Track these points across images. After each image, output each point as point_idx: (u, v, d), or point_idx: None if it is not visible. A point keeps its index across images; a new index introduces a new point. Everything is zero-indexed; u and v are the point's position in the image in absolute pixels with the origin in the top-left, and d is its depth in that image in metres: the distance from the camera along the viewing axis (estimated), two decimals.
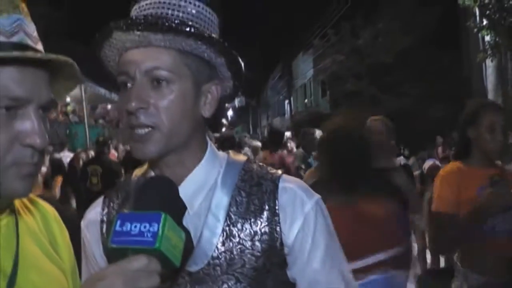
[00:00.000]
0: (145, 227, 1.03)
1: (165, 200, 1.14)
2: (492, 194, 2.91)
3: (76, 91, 20.39)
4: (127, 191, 1.48)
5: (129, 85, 1.33)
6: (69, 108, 20.91)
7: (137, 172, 1.53)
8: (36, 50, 1.12)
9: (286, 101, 42.55)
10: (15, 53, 1.06)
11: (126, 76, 1.33)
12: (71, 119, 19.81)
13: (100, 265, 1.44)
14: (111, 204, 1.50)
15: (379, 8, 22.00)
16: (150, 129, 1.31)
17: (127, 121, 1.33)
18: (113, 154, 11.90)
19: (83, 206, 2.86)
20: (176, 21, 1.29)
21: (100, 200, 1.54)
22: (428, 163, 8.45)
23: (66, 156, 11.33)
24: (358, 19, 22.71)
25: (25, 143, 1.09)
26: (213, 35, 1.35)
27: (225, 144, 7.14)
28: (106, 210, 1.49)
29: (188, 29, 1.29)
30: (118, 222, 1.06)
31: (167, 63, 1.31)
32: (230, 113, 71.34)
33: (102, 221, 1.48)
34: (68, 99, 21.40)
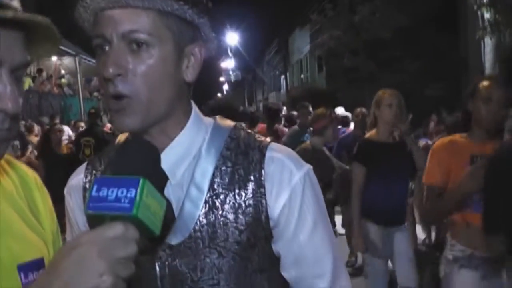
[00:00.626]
0: (122, 192, 0.97)
1: (145, 164, 1.09)
2: (469, 173, 2.91)
3: (70, 64, 20.37)
4: (110, 157, 1.42)
5: (105, 48, 1.24)
6: (64, 80, 20.78)
7: (121, 138, 1.47)
8: (8, 7, 1.02)
9: (282, 76, 42.41)
10: None
11: (102, 39, 1.24)
12: (65, 92, 19.70)
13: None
14: (94, 171, 1.44)
15: None
16: (127, 99, 1.23)
17: (104, 88, 1.25)
18: (108, 126, 11.86)
19: None
20: None
21: (83, 167, 1.48)
22: (421, 143, 8.47)
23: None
24: None
25: None
26: None
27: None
28: (89, 177, 1.44)
29: None
30: (95, 187, 1.00)
31: (146, 25, 1.22)
32: (225, 87, 71.34)
33: (84, 188, 1.43)
34: (62, 71, 21.30)
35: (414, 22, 19.90)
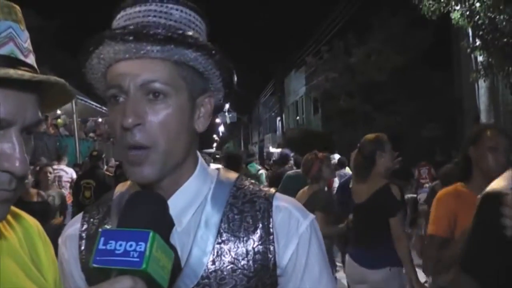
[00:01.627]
0: (131, 246, 0.96)
1: (154, 216, 1.07)
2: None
3: (67, 104, 20.38)
4: (109, 206, 1.40)
5: (121, 99, 1.24)
6: (60, 121, 20.79)
7: (120, 188, 1.45)
8: (25, 65, 1.02)
9: (278, 118, 42.59)
10: None
11: (118, 90, 1.24)
12: (61, 133, 19.70)
13: (78, 284, 1.36)
14: (91, 220, 1.41)
15: (372, 29, 22.19)
16: (145, 150, 1.23)
17: (122, 138, 1.24)
18: (110, 170, 11.75)
19: None
20: (178, 31, 1.22)
21: (79, 216, 1.46)
22: (423, 195, 8.50)
23: (62, 170, 11.27)
24: (351, 38, 22.87)
25: (3, 168, 1.00)
26: (210, 44, 1.28)
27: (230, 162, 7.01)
28: (85, 226, 1.41)
29: (189, 40, 1.22)
30: (102, 240, 0.98)
31: (164, 76, 1.23)
32: (221, 129, 71.55)
33: (81, 238, 1.39)
34: (58, 112, 21.34)
35: (408, 63, 20.17)
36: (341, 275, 7.61)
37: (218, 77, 1.35)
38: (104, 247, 0.96)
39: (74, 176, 11.14)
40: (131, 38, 1.19)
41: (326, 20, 25.59)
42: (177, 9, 1.28)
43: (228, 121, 48.90)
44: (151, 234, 0.97)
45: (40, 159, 13.21)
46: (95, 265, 0.96)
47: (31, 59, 1.06)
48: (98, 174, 9.00)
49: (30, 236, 1.27)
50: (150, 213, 1.08)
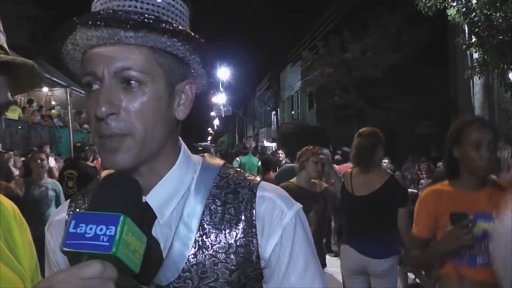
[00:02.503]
0: (101, 230, 0.96)
1: (126, 200, 1.07)
2: (450, 233, 2.79)
3: (61, 95, 20.32)
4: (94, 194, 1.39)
5: (96, 86, 1.21)
6: (54, 111, 20.72)
7: (105, 175, 1.43)
8: None
9: (273, 112, 42.58)
10: None
11: (92, 77, 1.21)
12: (55, 123, 19.63)
13: None
14: (77, 210, 1.40)
15: (368, 25, 22.16)
16: (121, 136, 1.20)
17: (96, 128, 1.21)
18: (99, 161, 11.73)
19: None
20: (151, 17, 1.17)
21: (65, 205, 1.44)
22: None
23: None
24: (347, 33, 22.83)
25: None
26: (187, 30, 1.25)
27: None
28: (71, 214, 1.38)
29: (163, 25, 1.18)
30: (73, 223, 0.97)
31: (139, 63, 1.20)
32: (216, 122, 71.50)
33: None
34: (53, 103, 21.26)
35: (404, 60, 20.16)
36: (334, 270, 7.61)
37: (199, 63, 1.31)
38: (74, 231, 0.96)
39: (52, 164, 11.19)
40: (102, 23, 1.16)
41: (322, 15, 25.60)
42: None
43: (223, 114, 48.82)
44: (121, 217, 0.97)
45: (34, 149, 13.16)
46: (65, 249, 0.95)
47: (1, 41, 1.04)
48: (80, 165, 9.09)
49: (5, 219, 1.25)
50: (122, 197, 1.07)
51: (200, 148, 19.32)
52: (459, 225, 2.74)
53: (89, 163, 9.70)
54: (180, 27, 1.22)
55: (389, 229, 4.76)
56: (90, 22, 1.16)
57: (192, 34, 1.24)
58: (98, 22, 1.16)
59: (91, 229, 0.95)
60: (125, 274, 1.00)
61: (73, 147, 10.46)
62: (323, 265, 5.30)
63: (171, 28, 1.19)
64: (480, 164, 2.91)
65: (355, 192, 4.92)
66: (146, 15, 1.17)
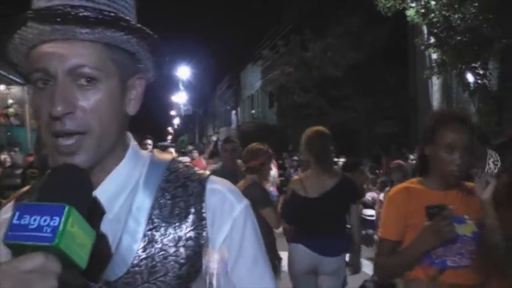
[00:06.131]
0: (45, 221, 0.92)
1: (74, 192, 1.03)
2: (428, 228, 2.59)
3: (18, 93, 19.96)
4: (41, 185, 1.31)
5: (48, 84, 1.16)
6: (11, 110, 20.35)
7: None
8: None
9: (233, 112, 42.63)
10: None
11: (43, 73, 1.16)
12: (12, 122, 19.28)
13: None
14: None
15: (329, 25, 22.30)
16: (78, 136, 1.16)
17: (49, 126, 1.16)
18: None
19: None
20: (110, 14, 1.15)
21: (11, 204, 1.40)
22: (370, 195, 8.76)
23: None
24: (308, 33, 22.94)
25: None
26: (143, 27, 1.22)
27: None
28: None
29: (122, 23, 1.16)
30: (17, 215, 0.94)
31: (94, 60, 1.17)
32: (176, 121, 71.19)
33: None
34: (10, 101, 20.85)
35: (364, 59, 20.36)
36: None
37: (149, 58, 1.29)
38: (18, 222, 0.93)
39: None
40: (58, 20, 1.12)
41: (283, 15, 25.66)
42: None
43: (183, 113, 48.66)
44: (66, 208, 0.94)
45: None
46: (8, 241, 0.92)
47: None
48: (41, 163, 8.96)
49: None
50: (70, 188, 1.04)
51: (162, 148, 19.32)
52: (440, 217, 2.55)
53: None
54: (137, 24, 1.21)
55: (343, 226, 4.94)
56: (45, 18, 1.12)
57: (148, 30, 1.23)
58: (54, 19, 1.12)
59: (35, 220, 0.92)
60: (71, 270, 0.96)
61: (34, 145, 10.55)
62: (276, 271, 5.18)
63: (129, 25, 1.18)
64: (451, 169, 2.71)
65: (309, 195, 4.92)
66: (105, 13, 1.15)
